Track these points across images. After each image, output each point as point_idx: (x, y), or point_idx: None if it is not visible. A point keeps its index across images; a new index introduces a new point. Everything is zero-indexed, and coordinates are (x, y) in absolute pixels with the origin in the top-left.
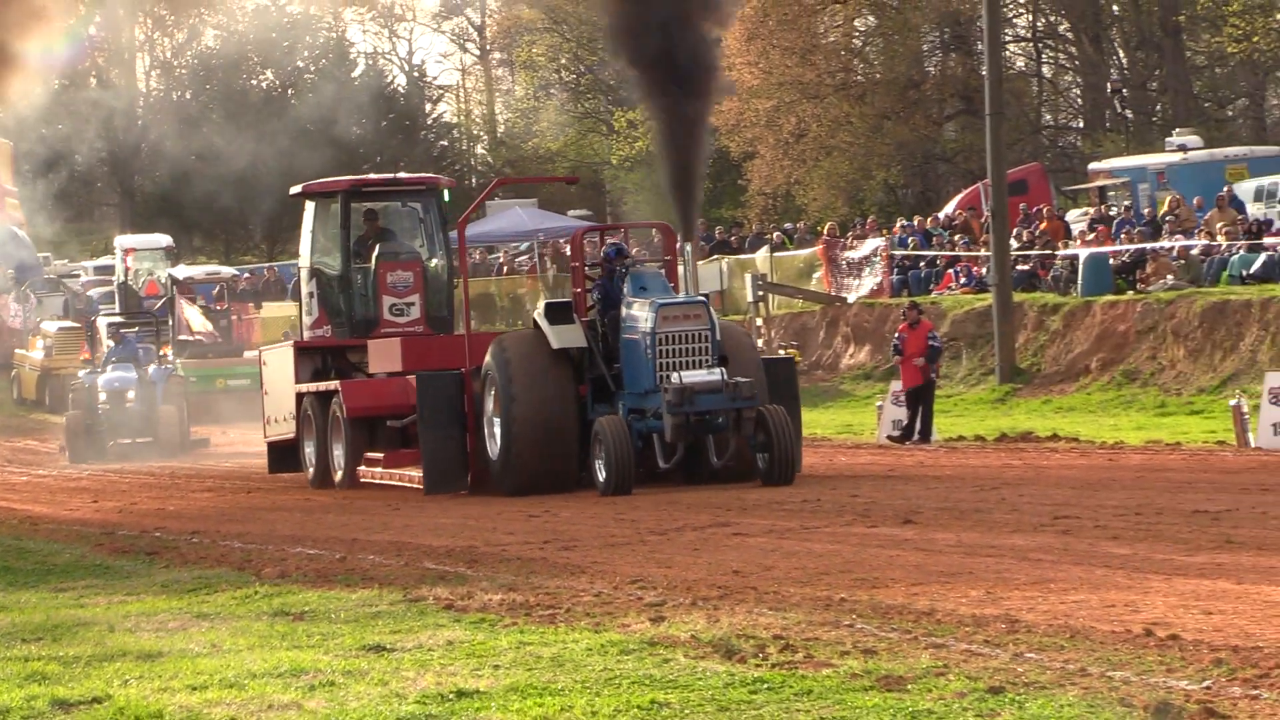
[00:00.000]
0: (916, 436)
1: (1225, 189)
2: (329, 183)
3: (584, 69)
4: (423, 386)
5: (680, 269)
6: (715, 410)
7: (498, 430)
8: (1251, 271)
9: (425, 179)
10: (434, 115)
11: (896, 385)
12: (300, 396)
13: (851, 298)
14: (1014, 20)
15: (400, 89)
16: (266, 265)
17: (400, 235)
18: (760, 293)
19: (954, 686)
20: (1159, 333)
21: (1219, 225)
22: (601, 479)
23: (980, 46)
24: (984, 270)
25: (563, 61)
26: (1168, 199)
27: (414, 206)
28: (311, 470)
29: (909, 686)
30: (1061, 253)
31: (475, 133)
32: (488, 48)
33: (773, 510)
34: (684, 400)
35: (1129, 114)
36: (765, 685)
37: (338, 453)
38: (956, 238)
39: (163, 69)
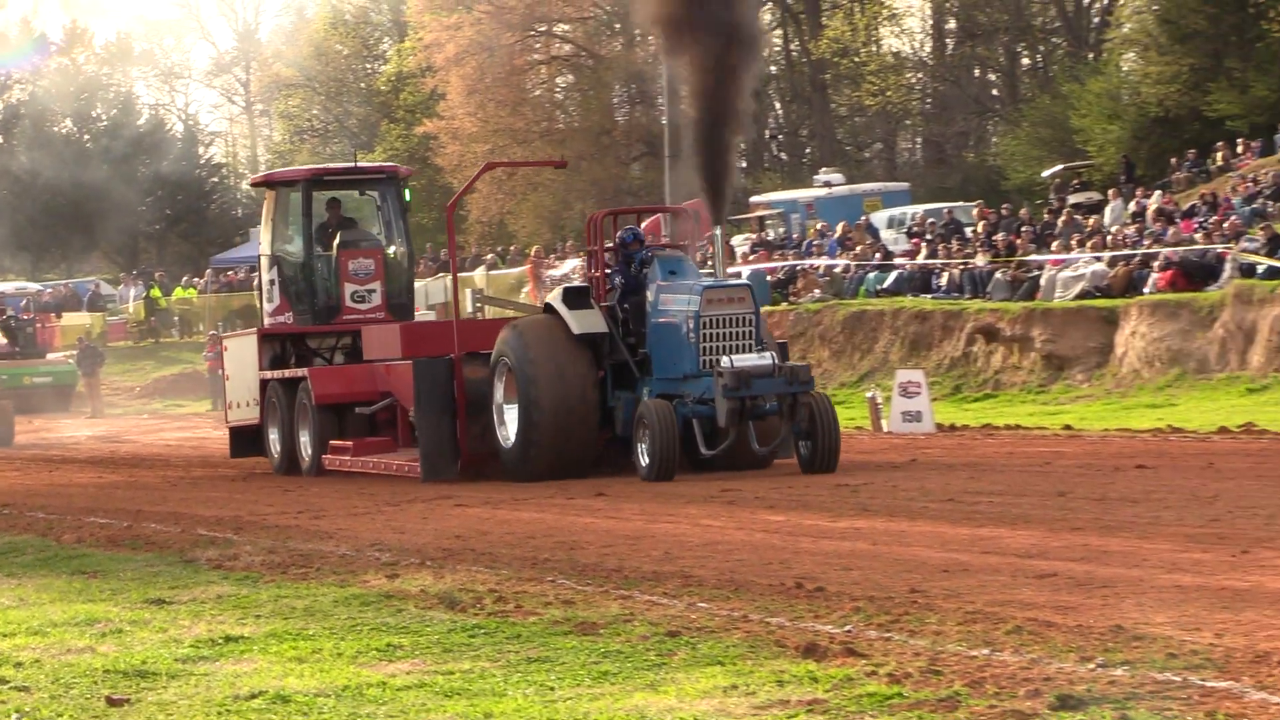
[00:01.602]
0: None
1: (863, 218)
2: (290, 172)
3: (332, 118)
4: (419, 372)
5: (705, 255)
6: (768, 395)
7: (510, 418)
8: (884, 286)
9: (385, 168)
10: (206, 157)
11: None
12: (265, 383)
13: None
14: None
15: (178, 135)
16: (64, 282)
17: (359, 223)
18: (478, 304)
19: (639, 631)
20: (808, 337)
21: (858, 248)
22: (645, 464)
23: (661, 100)
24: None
25: (314, 111)
26: (815, 226)
27: (372, 195)
28: (276, 456)
29: (601, 631)
30: (729, 270)
31: (241, 171)
32: (251, 100)
33: (487, 486)
34: (740, 384)
35: (783, 156)
36: (482, 630)
37: (304, 439)
38: None
39: None
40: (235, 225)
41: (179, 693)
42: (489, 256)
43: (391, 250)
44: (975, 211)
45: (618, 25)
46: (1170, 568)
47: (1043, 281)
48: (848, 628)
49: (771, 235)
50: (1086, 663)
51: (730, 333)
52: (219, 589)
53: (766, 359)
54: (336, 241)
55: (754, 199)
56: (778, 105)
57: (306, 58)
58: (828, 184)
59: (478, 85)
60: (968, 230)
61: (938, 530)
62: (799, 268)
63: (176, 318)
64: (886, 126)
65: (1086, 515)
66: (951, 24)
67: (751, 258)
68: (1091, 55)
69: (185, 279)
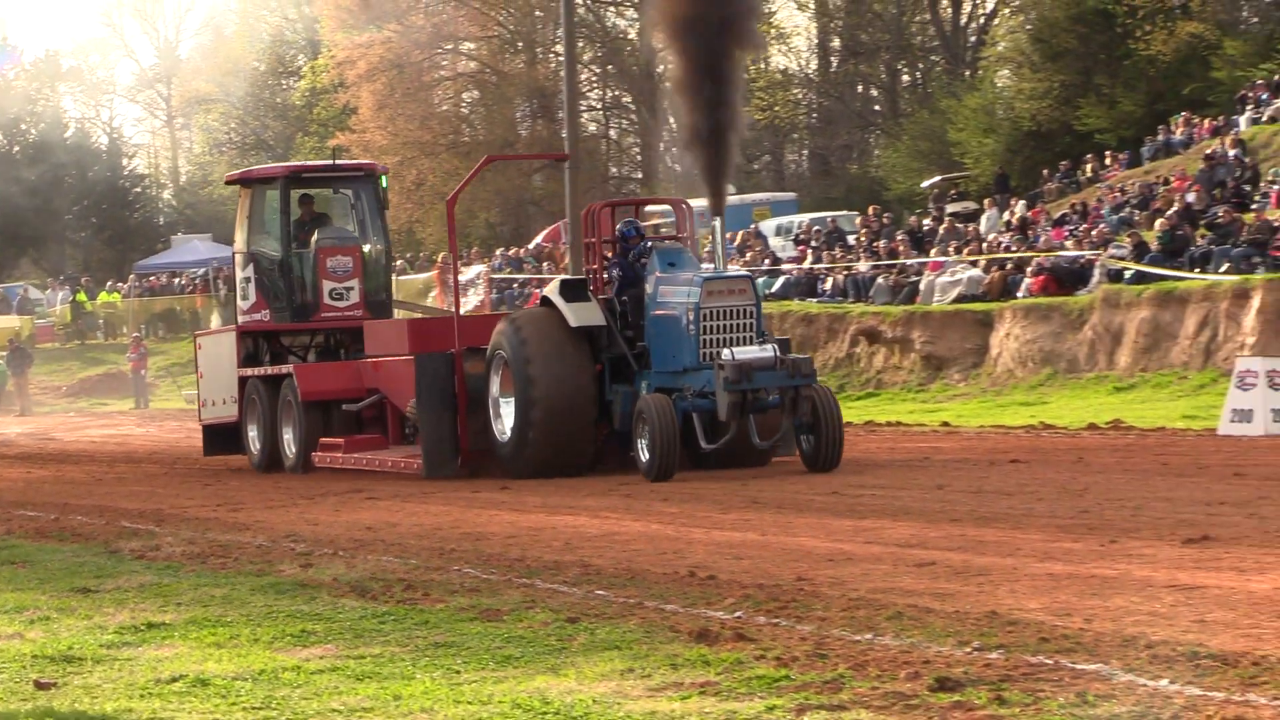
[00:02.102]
0: None
1: (753, 226)
2: (267, 169)
3: (249, 131)
4: (421, 368)
5: (709, 245)
6: (770, 389)
7: (507, 412)
8: (772, 291)
9: (363, 165)
10: (129, 168)
11: None
12: (244, 380)
13: (460, 312)
14: (588, 93)
15: (103, 147)
16: None
17: (334, 220)
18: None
19: (540, 617)
20: None
21: (749, 254)
22: (645, 460)
23: (561, 114)
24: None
25: (232, 125)
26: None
27: (345, 193)
28: (256, 454)
29: (504, 617)
30: None
31: (162, 181)
32: (172, 114)
33: (398, 481)
34: (742, 377)
35: (677, 167)
36: (391, 617)
37: (288, 437)
38: (543, 264)
39: None
40: (157, 233)
41: (104, 676)
42: (398, 262)
43: (368, 248)
44: (858, 220)
45: (520, 44)
46: (1042, 557)
47: (922, 286)
48: (738, 614)
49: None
50: (963, 646)
51: (731, 325)
52: (142, 578)
53: (768, 351)
54: (315, 239)
55: (650, 208)
56: (671, 119)
57: (225, 74)
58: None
59: (388, 100)
60: (850, 238)
61: (823, 521)
62: None
63: (101, 321)
64: (774, 140)
65: (963, 507)
66: (836, 43)
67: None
68: (968, 73)
69: (110, 284)
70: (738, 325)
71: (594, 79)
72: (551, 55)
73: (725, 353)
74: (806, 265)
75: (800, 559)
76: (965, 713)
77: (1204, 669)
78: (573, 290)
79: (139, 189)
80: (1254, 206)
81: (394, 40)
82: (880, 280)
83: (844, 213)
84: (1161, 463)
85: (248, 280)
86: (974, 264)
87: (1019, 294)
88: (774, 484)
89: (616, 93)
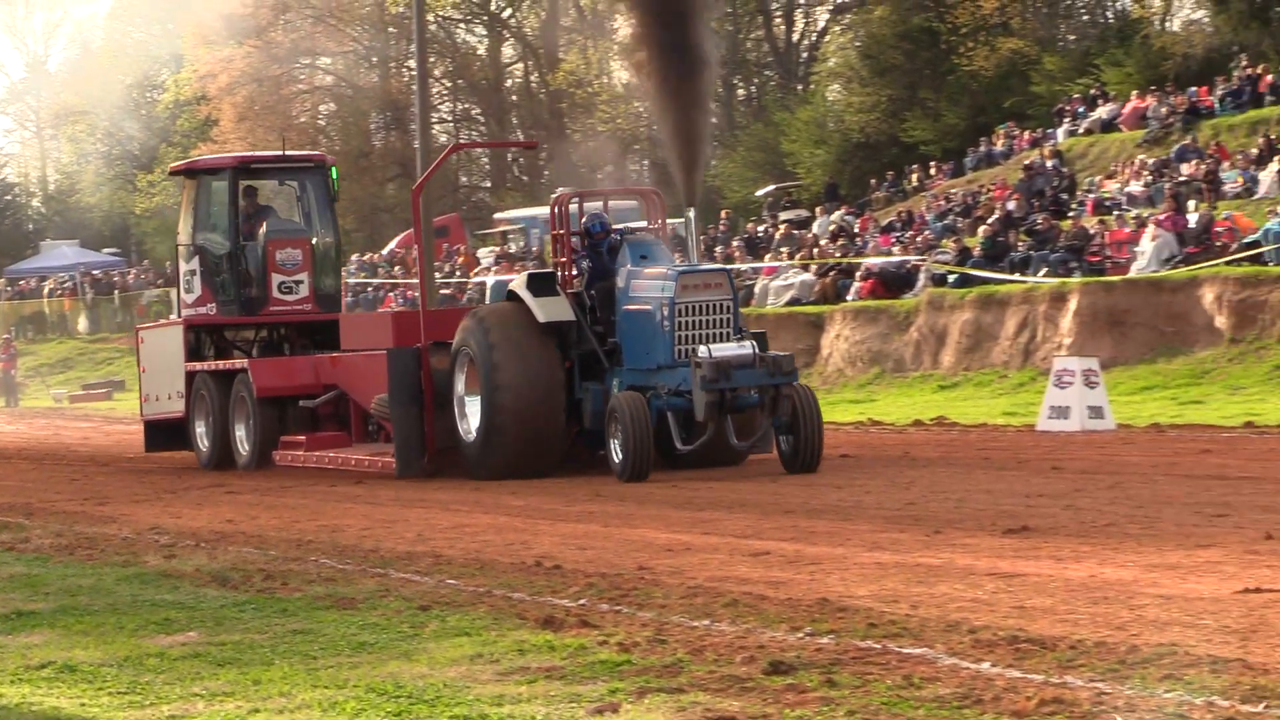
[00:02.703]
0: None
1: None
2: (214, 160)
3: (115, 141)
4: (393, 362)
5: (677, 238)
6: (749, 387)
7: (472, 410)
8: None
9: (312, 156)
10: (0, 177)
11: None
12: (192, 375)
13: None
14: (439, 106)
15: None
16: None
17: (279, 212)
18: None
19: (393, 605)
20: None
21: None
22: (618, 461)
23: (413, 125)
24: (416, 294)
25: (99, 136)
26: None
27: (291, 184)
28: (204, 451)
29: (359, 605)
30: (474, 280)
31: (31, 190)
32: (41, 125)
33: (256, 475)
34: (720, 375)
35: (525, 177)
36: (251, 605)
37: (241, 434)
38: (395, 269)
39: None
40: (27, 239)
41: None
42: None
43: (317, 240)
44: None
45: (374, 59)
46: (871, 546)
47: (756, 290)
48: (582, 601)
49: (514, 248)
50: (796, 632)
51: (707, 320)
52: (11, 569)
53: (746, 348)
54: (263, 231)
55: (497, 215)
56: (519, 132)
57: (92, 87)
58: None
59: (248, 112)
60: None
61: (663, 513)
62: None
63: None
64: (617, 150)
65: (796, 500)
66: None
67: (495, 269)
68: (800, 87)
69: None
70: (714, 321)
71: (444, 92)
72: (404, 70)
73: (702, 350)
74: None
75: (641, 549)
76: (798, 695)
77: (1023, 652)
78: (541, 284)
79: (9, 197)
80: (1071, 214)
81: (254, 55)
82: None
83: (682, 220)
84: (983, 457)
85: (193, 273)
86: (805, 269)
87: (849, 297)
88: (616, 479)
89: (466, 105)
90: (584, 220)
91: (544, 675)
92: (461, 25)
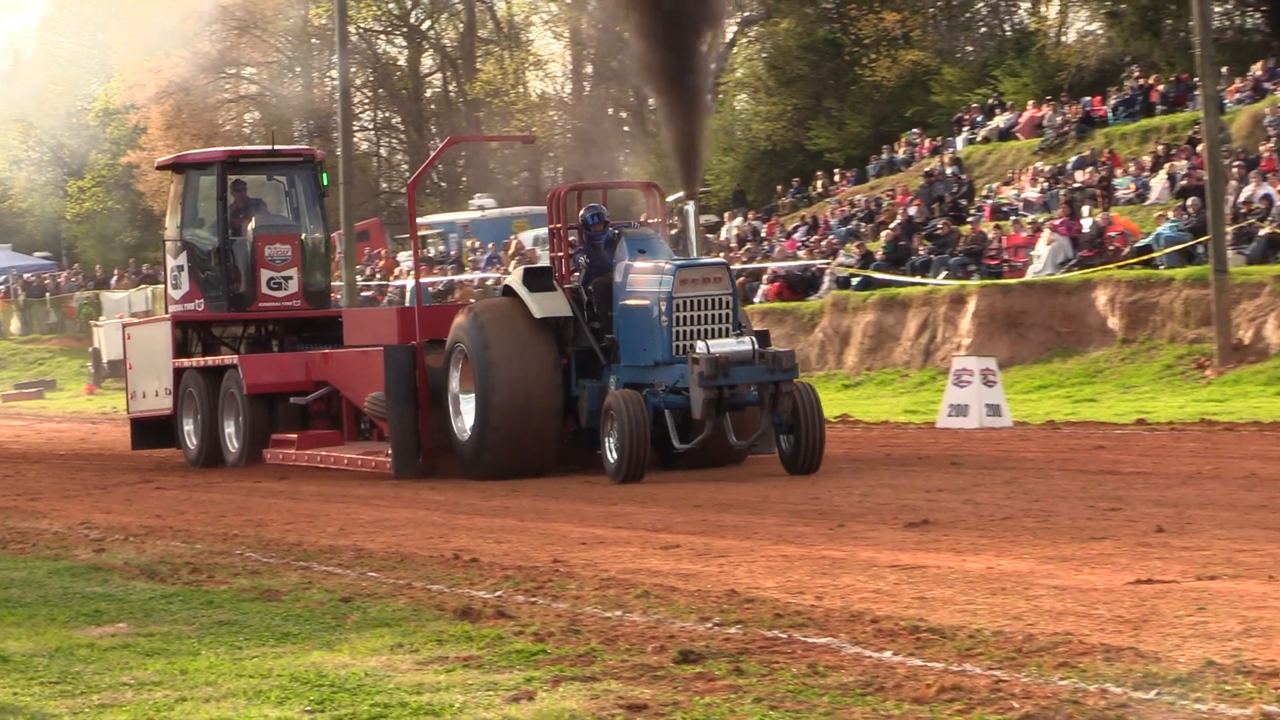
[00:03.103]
0: None
1: (512, 237)
2: (202, 154)
3: (46, 149)
4: (390, 360)
5: (674, 231)
6: (748, 384)
7: (467, 409)
8: None
9: (302, 151)
10: None
11: None
12: (180, 372)
13: None
14: (360, 114)
15: None
16: None
17: (268, 207)
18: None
19: (316, 597)
20: None
21: (511, 264)
22: (613, 461)
23: (336, 134)
24: (338, 296)
25: (30, 144)
26: (470, 245)
27: (280, 180)
28: (192, 448)
29: (283, 597)
30: (394, 283)
31: None
32: None
33: (179, 471)
34: (718, 372)
35: (443, 183)
36: (179, 597)
37: (230, 431)
38: None
39: None
40: None
41: None
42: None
43: (306, 236)
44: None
45: (298, 69)
46: (777, 540)
47: None
48: (499, 593)
49: (433, 252)
50: (705, 622)
51: (706, 315)
52: None
53: (746, 344)
54: (252, 226)
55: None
56: (437, 140)
57: (23, 95)
58: (481, 208)
59: (175, 120)
60: None
61: (577, 508)
62: (456, 281)
63: None
64: (532, 157)
65: (705, 494)
66: (589, 69)
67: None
68: (709, 96)
69: None
70: (713, 316)
71: (366, 101)
72: (326, 79)
73: (699, 345)
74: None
75: (556, 542)
76: (707, 683)
77: (924, 641)
78: (537, 279)
79: None
80: (970, 219)
81: (181, 65)
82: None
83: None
84: (885, 453)
85: (180, 269)
86: None
87: (756, 299)
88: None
89: (387, 114)
90: (581, 212)
91: (462, 664)
92: (382, 36)
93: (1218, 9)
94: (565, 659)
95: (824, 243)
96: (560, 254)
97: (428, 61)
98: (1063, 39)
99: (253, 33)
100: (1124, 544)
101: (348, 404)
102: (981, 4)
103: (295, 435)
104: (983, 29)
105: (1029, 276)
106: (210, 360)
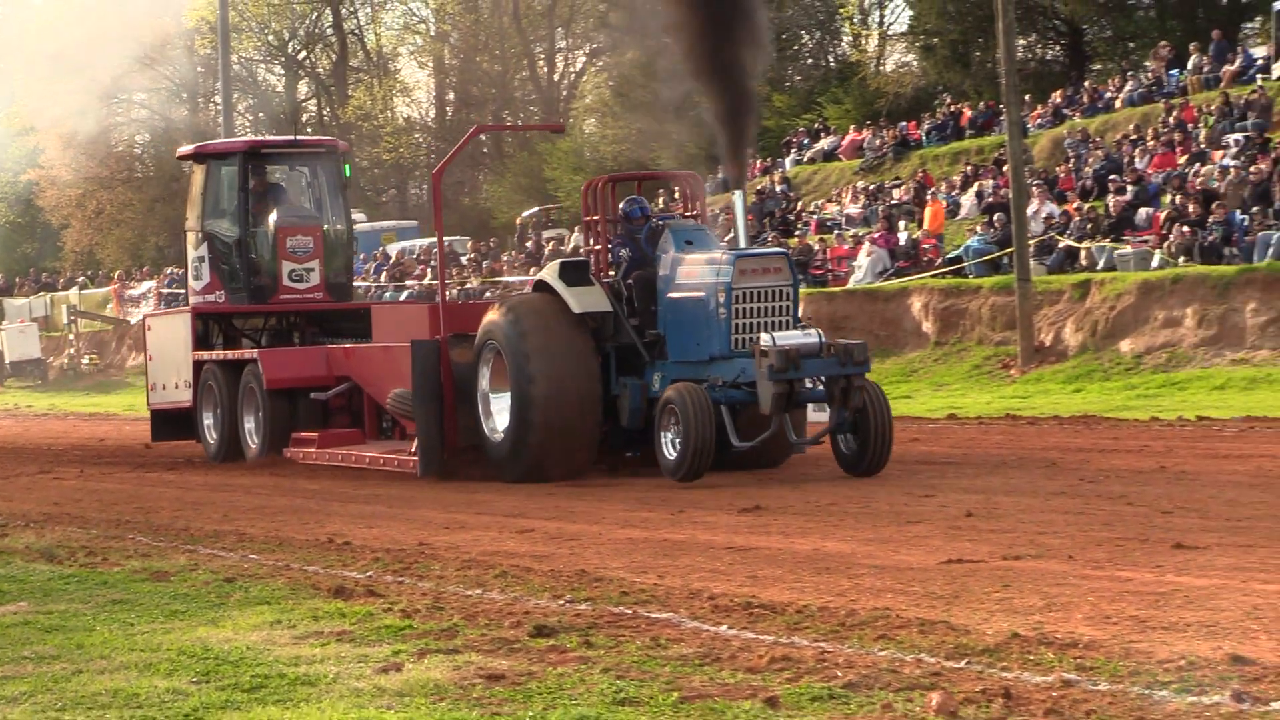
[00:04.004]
0: None
1: (381, 249)
2: (224, 144)
3: None
4: (416, 355)
5: (724, 222)
6: (813, 379)
7: (498, 408)
8: (401, 300)
9: (325, 141)
10: None
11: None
12: (199, 365)
13: (134, 319)
14: (242, 136)
15: None
16: None
17: (290, 196)
18: (73, 317)
19: (202, 578)
20: None
21: (383, 274)
22: (673, 457)
23: None
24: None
25: None
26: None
27: (302, 170)
28: (212, 443)
29: (172, 578)
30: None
31: None
32: None
33: (76, 462)
34: (789, 365)
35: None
36: (76, 578)
37: (250, 426)
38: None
39: None
40: None
41: None
42: (80, 279)
43: (329, 227)
44: (469, 244)
45: (184, 94)
46: (623, 524)
47: None
48: (369, 573)
49: None
50: (558, 600)
51: (767, 307)
52: None
53: (813, 336)
54: (274, 218)
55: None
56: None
57: None
58: (353, 221)
59: (72, 141)
60: (464, 258)
61: (441, 496)
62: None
63: None
64: (400, 176)
65: (559, 484)
66: (451, 95)
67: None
68: (561, 121)
69: None
70: (774, 308)
71: (247, 124)
72: (211, 104)
73: (764, 338)
74: (427, 281)
75: (422, 527)
76: (559, 655)
77: (756, 616)
78: (574, 273)
79: None
80: (797, 233)
81: (78, 90)
82: (488, 294)
83: (458, 237)
84: None
85: (201, 260)
86: None
87: None
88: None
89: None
90: (621, 205)
91: (335, 638)
92: (262, 65)
93: (1021, 42)
94: (430, 633)
95: None
96: (598, 248)
97: (304, 88)
98: (881, 69)
99: (144, 61)
100: (937, 527)
101: (369, 400)
102: (808, 37)
103: (316, 434)
104: (809, 60)
105: (851, 285)
106: (230, 354)
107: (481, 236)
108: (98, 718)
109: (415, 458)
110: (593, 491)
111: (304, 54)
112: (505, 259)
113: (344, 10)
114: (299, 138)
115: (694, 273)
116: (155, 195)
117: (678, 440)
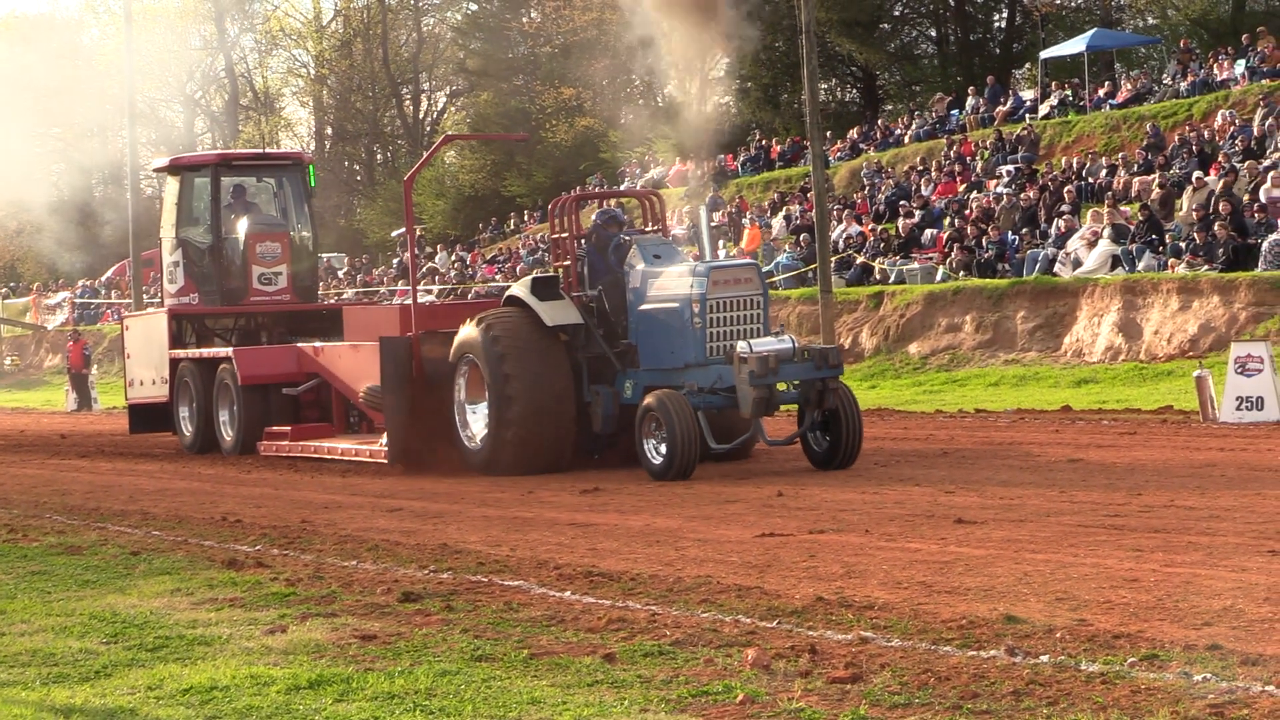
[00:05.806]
0: (90, 407)
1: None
2: (196, 157)
3: None
4: (386, 351)
5: (687, 235)
6: (787, 382)
7: (475, 418)
8: None
9: (291, 154)
10: None
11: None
12: (176, 362)
13: (50, 326)
14: (146, 166)
15: None
16: None
17: (258, 207)
18: None
19: (111, 551)
20: None
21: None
22: (658, 461)
23: (125, 182)
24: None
25: None
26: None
27: (268, 181)
28: (188, 436)
29: (84, 552)
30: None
31: None
32: None
33: (4, 450)
34: (768, 371)
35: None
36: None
37: (224, 419)
38: (113, 293)
39: None
40: None
41: None
42: (2, 290)
43: (295, 234)
44: (346, 260)
45: (95, 128)
46: (480, 503)
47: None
48: (258, 547)
49: None
50: (423, 569)
51: (739, 316)
52: None
53: (787, 342)
54: (243, 225)
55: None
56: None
57: None
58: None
59: None
60: (340, 272)
61: (321, 479)
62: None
63: None
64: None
65: (424, 470)
66: (329, 131)
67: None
68: (425, 152)
69: None
70: (745, 316)
71: (151, 154)
72: (119, 137)
73: (741, 345)
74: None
75: (304, 506)
76: (425, 617)
77: (596, 583)
78: (544, 288)
79: None
80: None
81: None
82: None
83: (336, 254)
84: None
85: (176, 264)
86: (429, 291)
87: None
88: (277, 453)
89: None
90: (594, 215)
91: (229, 604)
92: (163, 103)
93: (823, 86)
94: (311, 599)
95: (517, 269)
96: (566, 263)
97: (200, 124)
98: (703, 109)
99: (60, 98)
100: (752, 505)
101: (337, 396)
102: (639, 81)
103: (289, 428)
104: (640, 100)
105: None
106: (205, 352)
107: (355, 254)
108: (19, 675)
109: (385, 449)
110: (451, 477)
111: (200, 94)
112: (376, 272)
113: (235, 55)
114: (267, 150)
115: (667, 285)
116: (70, 217)
117: (662, 445)
